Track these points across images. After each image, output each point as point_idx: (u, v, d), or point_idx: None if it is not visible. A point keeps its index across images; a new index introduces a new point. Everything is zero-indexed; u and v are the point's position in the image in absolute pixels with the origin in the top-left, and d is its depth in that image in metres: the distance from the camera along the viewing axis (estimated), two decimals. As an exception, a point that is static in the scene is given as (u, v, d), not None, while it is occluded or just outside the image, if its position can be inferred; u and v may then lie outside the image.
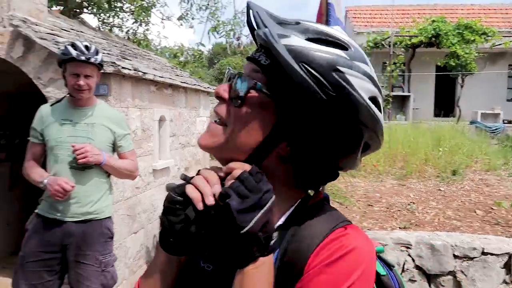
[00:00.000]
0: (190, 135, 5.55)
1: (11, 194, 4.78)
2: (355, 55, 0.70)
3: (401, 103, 14.30)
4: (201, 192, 0.66)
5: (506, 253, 3.42)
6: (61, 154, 2.37)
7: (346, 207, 5.04)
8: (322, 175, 0.77)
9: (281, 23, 0.72)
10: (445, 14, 14.93)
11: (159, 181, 4.41)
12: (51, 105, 2.48)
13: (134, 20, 9.49)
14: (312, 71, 0.67)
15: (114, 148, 2.55)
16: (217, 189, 0.66)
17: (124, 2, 9.01)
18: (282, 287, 0.68)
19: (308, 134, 0.70)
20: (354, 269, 0.66)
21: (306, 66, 0.67)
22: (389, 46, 13.26)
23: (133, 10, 9.13)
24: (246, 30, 12.37)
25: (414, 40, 13.82)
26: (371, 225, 4.50)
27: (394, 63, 13.20)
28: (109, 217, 2.57)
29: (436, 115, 14.63)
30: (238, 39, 12.40)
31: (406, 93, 14.50)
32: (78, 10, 8.30)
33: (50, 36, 3.30)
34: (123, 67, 3.34)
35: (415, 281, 3.46)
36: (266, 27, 0.69)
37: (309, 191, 0.82)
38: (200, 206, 0.65)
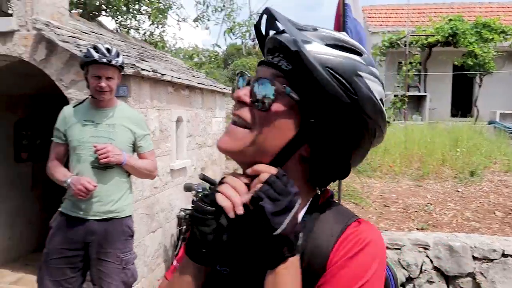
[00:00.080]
0: (206, 136, 5.60)
1: (32, 194, 4.90)
2: (368, 60, 0.75)
3: (417, 103, 14.12)
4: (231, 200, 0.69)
5: (526, 255, 3.37)
6: (84, 154, 2.43)
7: (362, 208, 5.02)
8: (336, 172, 0.80)
9: (301, 29, 0.75)
10: (463, 13, 14.69)
11: (176, 181, 4.46)
12: (74, 107, 2.54)
13: (151, 22, 9.61)
14: (337, 76, 0.70)
15: (134, 148, 2.61)
16: (247, 197, 0.68)
17: (142, 5, 9.13)
18: (305, 283, 0.71)
19: (330, 134, 0.74)
20: (373, 260, 0.71)
21: (331, 71, 0.70)
22: (405, 45, 13.11)
23: (150, 12, 9.24)
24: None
25: (430, 39, 13.62)
26: (388, 226, 4.47)
27: (410, 63, 13.02)
28: (130, 216, 2.62)
29: (453, 115, 14.40)
30: (253, 40, 12.44)
31: (422, 93, 14.31)
32: (96, 13, 8.45)
33: (71, 39, 3.38)
34: (142, 69, 3.39)
35: (433, 282, 3.43)
36: (293, 34, 0.71)
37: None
38: (232, 214, 0.68)
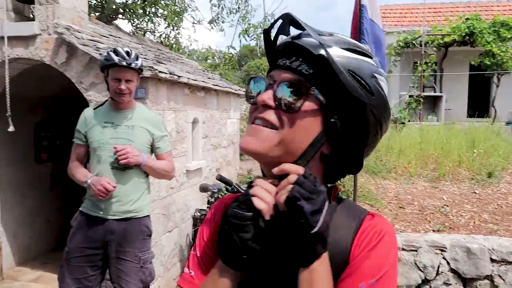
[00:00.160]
0: (221, 137, 5.65)
1: (51, 194, 5.00)
2: (377, 62, 0.81)
3: (432, 103, 13.95)
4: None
5: (546, 258, 3.32)
6: (104, 155, 2.49)
7: (377, 209, 5.00)
8: (351, 168, 0.84)
9: (320, 34, 0.78)
10: (480, 12, 14.47)
11: (192, 182, 4.51)
12: (94, 109, 2.60)
13: (166, 25, 9.71)
14: (359, 78, 0.76)
15: (152, 149, 2.66)
16: (282, 199, 0.71)
17: (158, 8, 9.23)
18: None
19: (350, 133, 0.79)
20: (391, 249, 0.76)
21: (353, 73, 0.75)
22: (420, 45, 12.97)
23: (166, 15, 9.34)
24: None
25: (446, 39, 13.44)
26: (404, 227, 4.44)
27: (426, 63, 12.87)
28: (148, 216, 2.67)
29: (470, 115, 14.16)
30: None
31: (438, 93, 14.13)
32: (113, 16, 8.58)
33: (91, 43, 3.46)
34: (160, 71, 3.45)
35: (450, 284, 3.40)
36: (318, 39, 0.75)
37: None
38: (268, 216, 0.71)
